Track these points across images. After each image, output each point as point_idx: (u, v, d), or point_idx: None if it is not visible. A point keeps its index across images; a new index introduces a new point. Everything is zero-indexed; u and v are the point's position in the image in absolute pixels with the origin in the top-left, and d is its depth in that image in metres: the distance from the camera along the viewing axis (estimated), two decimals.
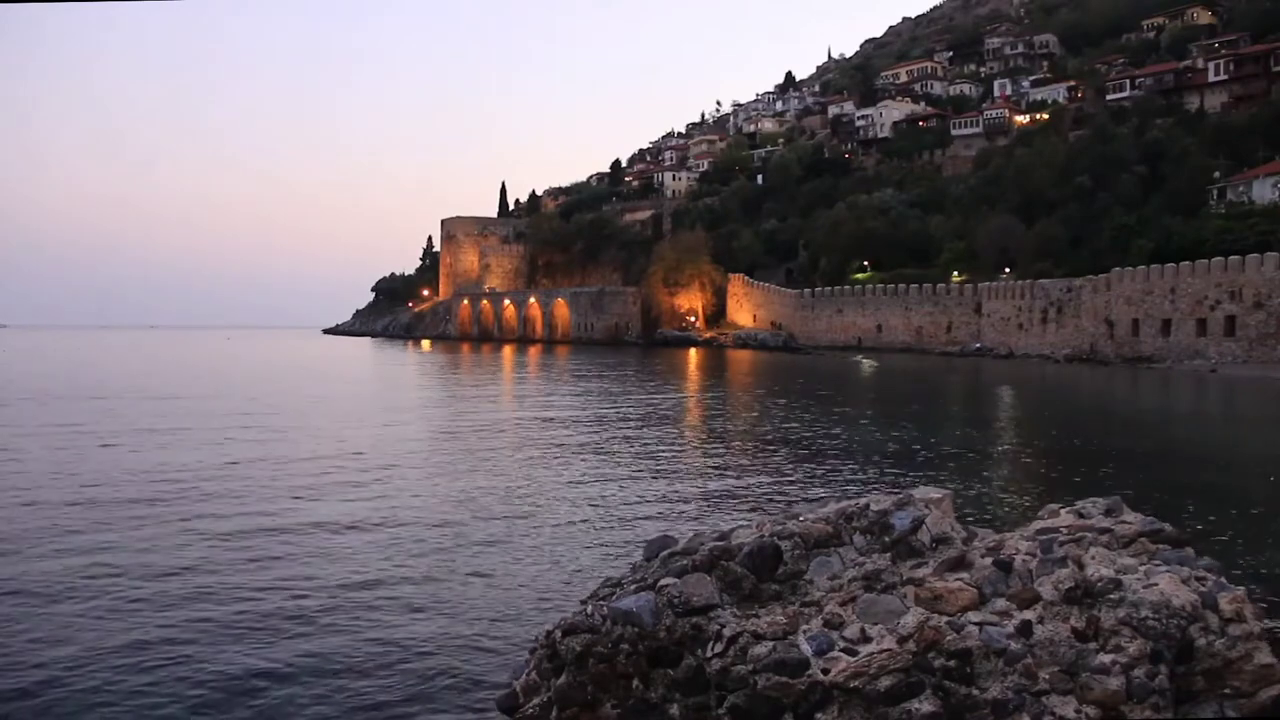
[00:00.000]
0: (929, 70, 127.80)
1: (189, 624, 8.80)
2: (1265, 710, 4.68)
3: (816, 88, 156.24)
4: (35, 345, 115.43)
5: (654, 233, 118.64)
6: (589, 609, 5.56)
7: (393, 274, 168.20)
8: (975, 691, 4.72)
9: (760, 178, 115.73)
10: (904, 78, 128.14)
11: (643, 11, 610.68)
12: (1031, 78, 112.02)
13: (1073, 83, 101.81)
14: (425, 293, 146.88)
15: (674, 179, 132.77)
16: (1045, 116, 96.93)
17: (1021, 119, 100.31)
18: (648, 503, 15.03)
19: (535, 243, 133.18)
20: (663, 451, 21.24)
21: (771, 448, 21.63)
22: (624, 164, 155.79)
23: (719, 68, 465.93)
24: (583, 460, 19.85)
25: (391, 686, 7.36)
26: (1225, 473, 18.33)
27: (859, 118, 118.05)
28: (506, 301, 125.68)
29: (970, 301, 77.84)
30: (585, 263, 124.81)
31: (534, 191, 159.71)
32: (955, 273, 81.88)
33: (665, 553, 5.85)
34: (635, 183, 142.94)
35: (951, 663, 4.77)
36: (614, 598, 5.53)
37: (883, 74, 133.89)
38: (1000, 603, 5.03)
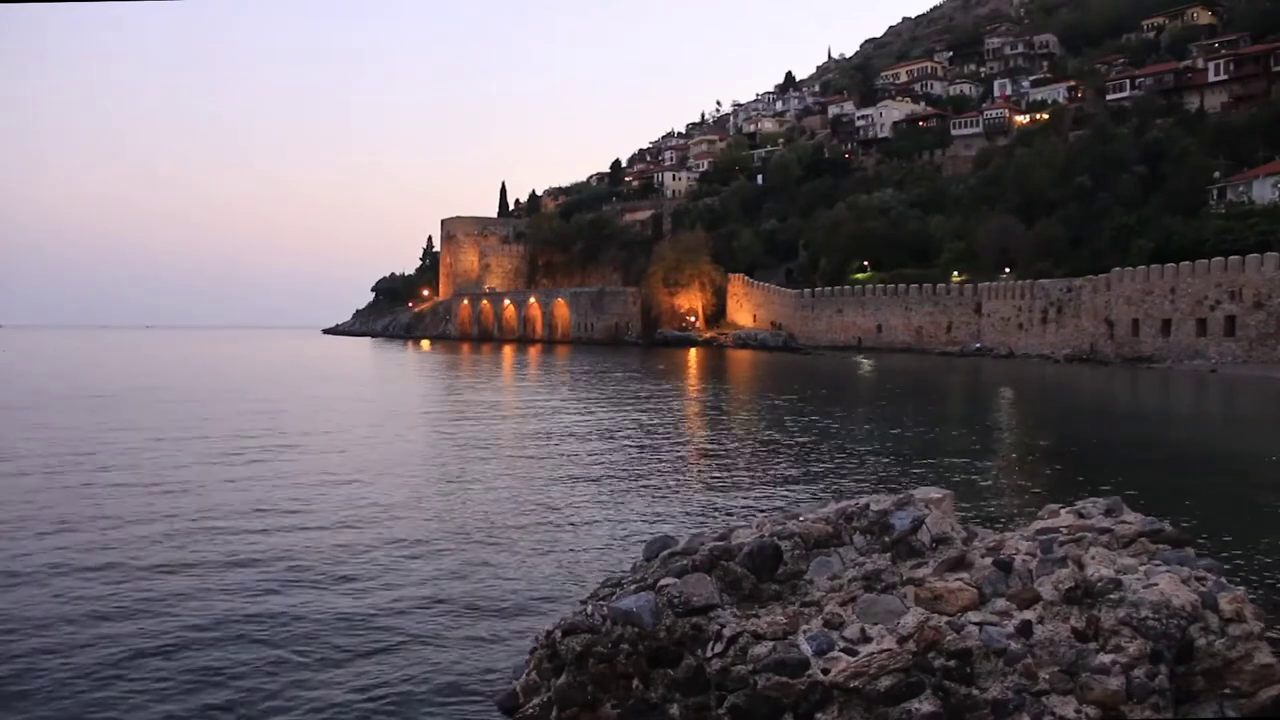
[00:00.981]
0: (929, 70, 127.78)
1: (188, 623, 8.80)
2: (1265, 710, 4.68)
3: (816, 88, 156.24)
4: (34, 346, 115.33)
5: (654, 233, 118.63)
6: (589, 609, 5.56)
7: (393, 274, 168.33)
8: (975, 691, 4.72)
9: (760, 178, 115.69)
10: (904, 78, 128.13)
11: (643, 12, 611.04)
12: (1031, 78, 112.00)
13: (1073, 83, 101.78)
14: (425, 293, 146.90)
15: (674, 179, 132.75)
16: (1045, 116, 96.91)
17: (1021, 119, 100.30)
18: (648, 503, 15.02)
19: (535, 243, 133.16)
20: (662, 451, 21.23)
21: (771, 448, 21.62)
22: (624, 164, 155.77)
23: (719, 68, 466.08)
24: (582, 460, 19.85)
25: (391, 686, 7.36)
26: (1225, 473, 18.32)
27: (859, 118, 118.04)
28: (506, 301, 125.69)
29: (970, 301, 77.84)
30: (585, 263, 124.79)
31: (534, 191, 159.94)
32: (955, 273, 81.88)
33: (665, 553, 5.85)
34: (635, 183, 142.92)
35: (951, 663, 4.77)
36: (614, 598, 5.54)
37: (883, 74, 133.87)
38: (1000, 603, 5.03)
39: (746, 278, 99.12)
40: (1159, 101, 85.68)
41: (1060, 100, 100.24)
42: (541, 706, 5.52)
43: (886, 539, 5.54)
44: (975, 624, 4.89)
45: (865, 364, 63.74)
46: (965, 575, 5.20)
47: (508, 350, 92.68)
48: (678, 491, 16.10)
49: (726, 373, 57.73)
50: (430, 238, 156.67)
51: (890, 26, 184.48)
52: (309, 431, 24.95)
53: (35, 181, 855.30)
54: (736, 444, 22.73)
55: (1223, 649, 4.75)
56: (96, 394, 37.48)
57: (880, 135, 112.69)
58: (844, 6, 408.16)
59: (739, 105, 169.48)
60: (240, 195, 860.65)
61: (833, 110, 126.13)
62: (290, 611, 9.19)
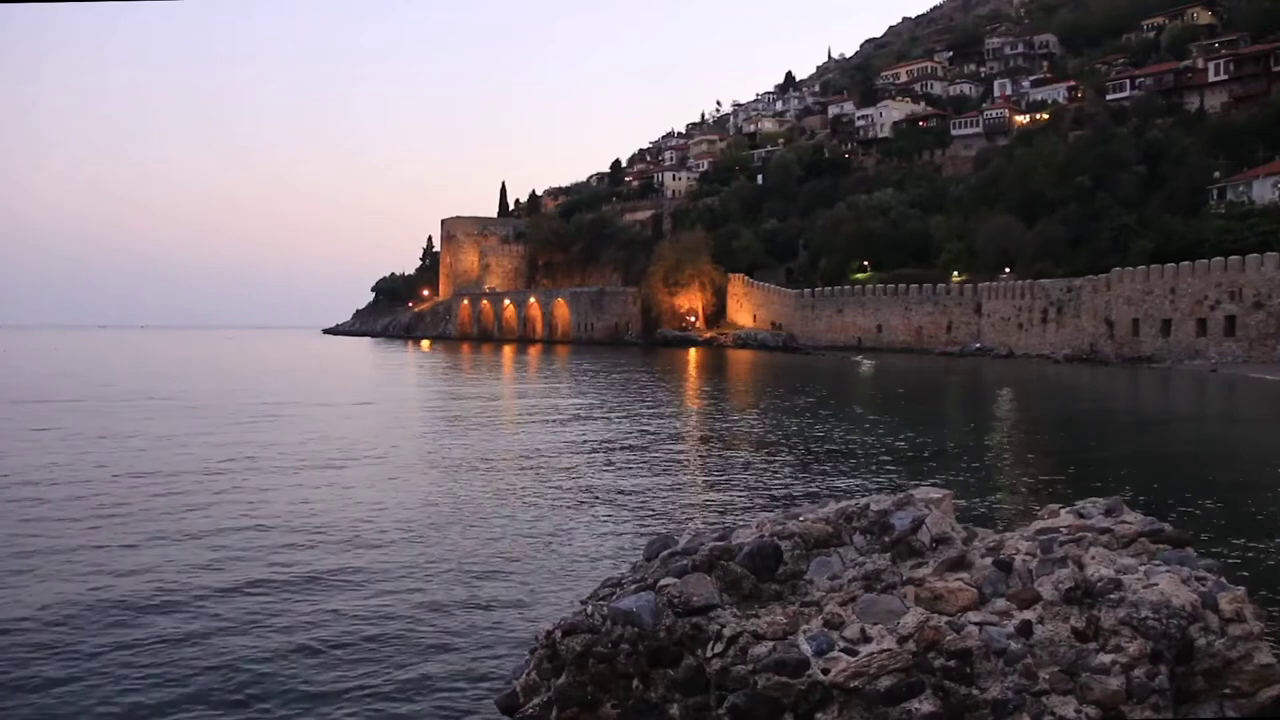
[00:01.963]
0: (929, 70, 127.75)
1: (188, 623, 8.81)
2: (1265, 710, 4.68)
3: (816, 88, 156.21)
4: (31, 346, 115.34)
5: (654, 233, 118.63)
6: (589, 609, 5.56)
7: (393, 274, 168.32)
8: (975, 691, 4.72)
9: (760, 178, 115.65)
10: (904, 78, 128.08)
11: (643, 12, 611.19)
12: (1031, 78, 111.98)
13: (1073, 83, 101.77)
14: (425, 293, 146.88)
15: (674, 179, 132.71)
16: (1045, 116, 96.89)
17: (1021, 119, 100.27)
18: (648, 502, 15.03)
19: (535, 243, 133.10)
20: (662, 451, 21.23)
21: (771, 448, 21.62)
22: (624, 164, 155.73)
23: (719, 68, 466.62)
24: (582, 460, 19.85)
25: (391, 686, 7.36)
26: (1225, 473, 18.32)
27: (859, 118, 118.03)
28: (506, 301, 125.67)
29: (970, 301, 77.84)
30: (585, 263, 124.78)
31: (534, 191, 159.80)
32: (955, 273, 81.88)
33: (665, 553, 5.85)
34: (635, 183, 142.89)
35: (951, 663, 4.77)
36: (614, 598, 5.53)
37: (883, 74, 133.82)
38: (1000, 603, 5.03)
39: (746, 278, 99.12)
40: (1159, 101, 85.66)
41: (1060, 100, 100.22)
42: (541, 706, 5.52)
43: (886, 539, 5.54)
44: (975, 624, 4.89)
45: (865, 364, 63.74)
46: (965, 575, 5.20)
47: (508, 350, 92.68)
48: (678, 491, 16.10)
49: (726, 373, 57.73)
50: (430, 238, 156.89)
51: (890, 26, 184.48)
52: (309, 432, 24.95)
53: (30, 181, 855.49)
54: (736, 444, 22.73)
55: (1223, 649, 4.75)
56: (96, 396, 37.47)
57: (880, 135, 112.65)
58: (844, 6, 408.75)
59: (739, 105, 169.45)
60: (240, 195, 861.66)
61: (833, 110, 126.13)
62: (289, 611, 9.19)
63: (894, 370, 57.12)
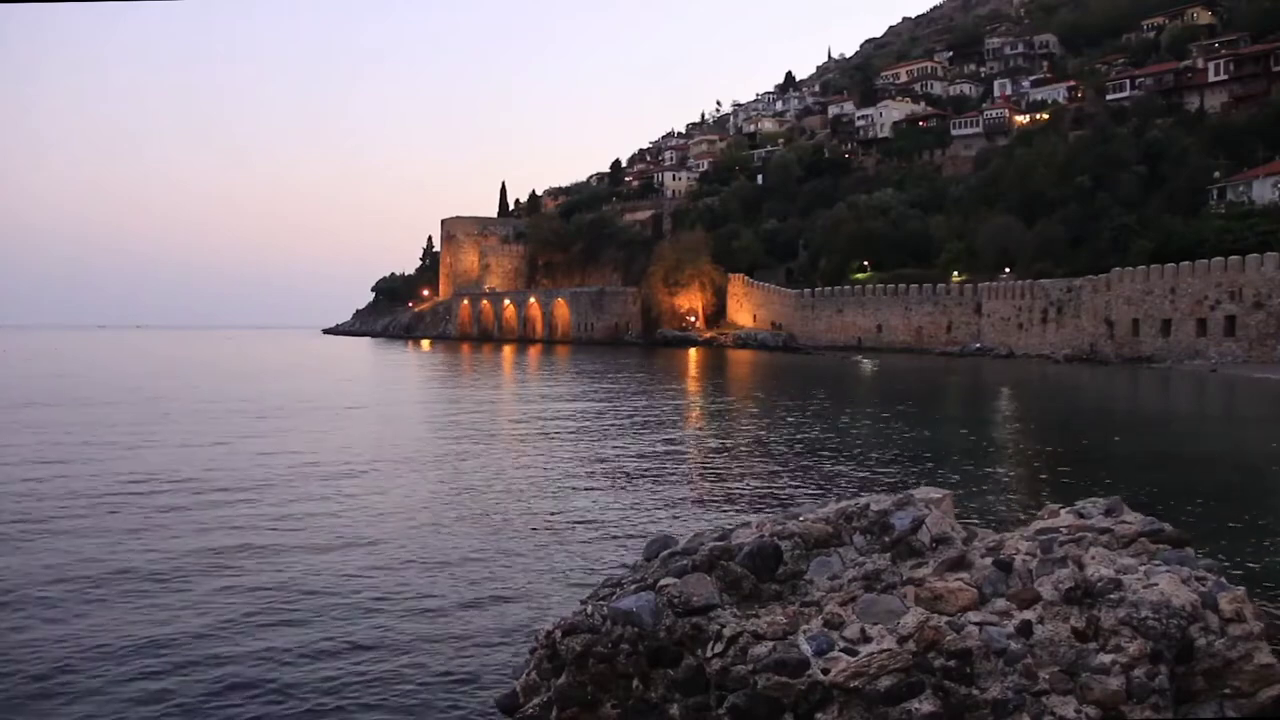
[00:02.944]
0: (929, 70, 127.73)
1: (187, 622, 8.81)
2: (1265, 710, 4.68)
3: (816, 88, 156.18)
4: (31, 346, 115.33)
5: (654, 233, 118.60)
6: (589, 609, 5.56)
7: (393, 274, 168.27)
8: (975, 691, 4.72)
9: (760, 178, 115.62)
10: (904, 78, 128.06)
11: (643, 12, 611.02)
12: (1031, 78, 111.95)
13: (1073, 83, 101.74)
14: (425, 293, 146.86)
15: (674, 179, 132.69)
16: (1045, 116, 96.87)
17: (1021, 119, 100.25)
18: (648, 503, 15.02)
19: (535, 243, 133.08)
20: (662, 451, 21.23)
21: (771, 448, 21.62)
22: (624, 164, 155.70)
23: (719, 68, 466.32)
24: (582, 460, 19.85)
25: (391, 686, 7.36)
26: (1225, 473, 18.32)
27: (859, 118, 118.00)
28: (506, 301, 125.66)
29: (970, 301, 77.83)
30: (585, 263, 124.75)
31: (534, 191, 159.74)
32: (955, 273, 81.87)
33: (665, 553, 5.85)
34: (635, 183, 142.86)
35: (951, 663, 4.77)
36: (614, 598, 5.54)
37: (883, 74, 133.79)
38: (1000, 603, 5.04)
39: (746, 278, 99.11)
40: (1159, 101, 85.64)
41: (1060, 100, 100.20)
42: (541, 706, 5.52)
43: (886, 539, 5.55)
44: (975, 624, 4.89)
45: (865, 364, 63.74)
46: (965, 575, 5.20)
47: (508, 350, 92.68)
48: (677, 491, 16.10)
49: (726, 373, 57.73)
50: (430, 238, 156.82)
51: (890, 26, 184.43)
52: (308, 432, 24.95)
53: (35, 181, 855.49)
54: (736, 444, 22.73)
55: (1223, 649, 4.76)
56: (91, 398, 37.47)
57: (880, 135, 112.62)
58: (844, 6, 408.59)
59: (739, 105, 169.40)
60: (240, 195, 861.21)
61: (833, 110, 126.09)
62: (289, 611, 9.19)
63: (894, 370, 57.11)
